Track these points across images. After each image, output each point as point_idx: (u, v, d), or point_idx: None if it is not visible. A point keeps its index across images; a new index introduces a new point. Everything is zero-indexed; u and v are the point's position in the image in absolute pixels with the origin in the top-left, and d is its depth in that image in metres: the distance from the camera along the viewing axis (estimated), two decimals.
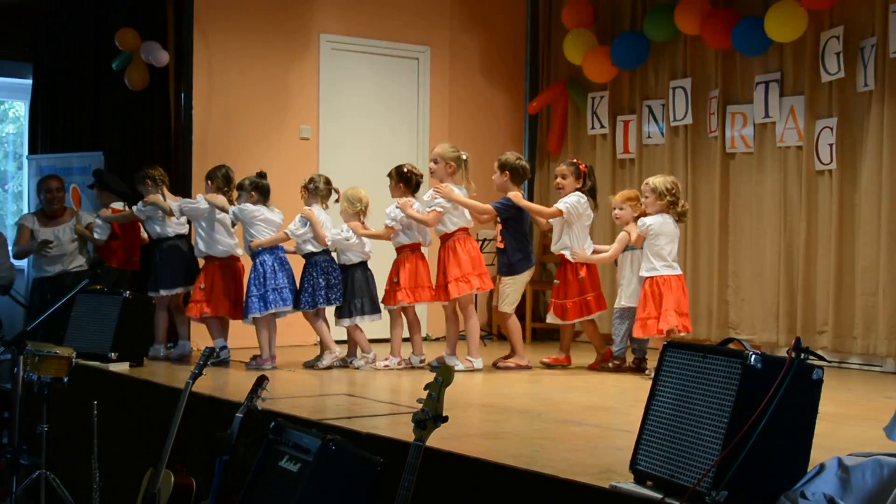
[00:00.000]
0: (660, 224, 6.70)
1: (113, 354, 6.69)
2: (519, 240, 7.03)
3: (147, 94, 8.48)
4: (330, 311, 7.14)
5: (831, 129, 7.41)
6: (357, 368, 6.95)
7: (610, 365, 6.94)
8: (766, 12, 7.60)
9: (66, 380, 5.44)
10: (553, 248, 7.16)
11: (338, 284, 6.98)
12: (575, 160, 7.21)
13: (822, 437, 3.33)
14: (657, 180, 6.80)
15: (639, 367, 6.90)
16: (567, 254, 6.96)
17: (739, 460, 2.93)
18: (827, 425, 3.81)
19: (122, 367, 6.67)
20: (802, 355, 3.03)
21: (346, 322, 7.02)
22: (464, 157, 7.01)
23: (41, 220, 8.32)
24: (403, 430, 4.08)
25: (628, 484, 3.32)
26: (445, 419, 3.35)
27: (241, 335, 7.36)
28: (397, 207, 6.96)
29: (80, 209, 8.58)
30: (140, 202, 7.52)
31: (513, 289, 7.00)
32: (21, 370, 5.55)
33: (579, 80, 9.41)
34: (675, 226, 6.76)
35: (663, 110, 8.75)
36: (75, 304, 7.00)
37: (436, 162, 7.01)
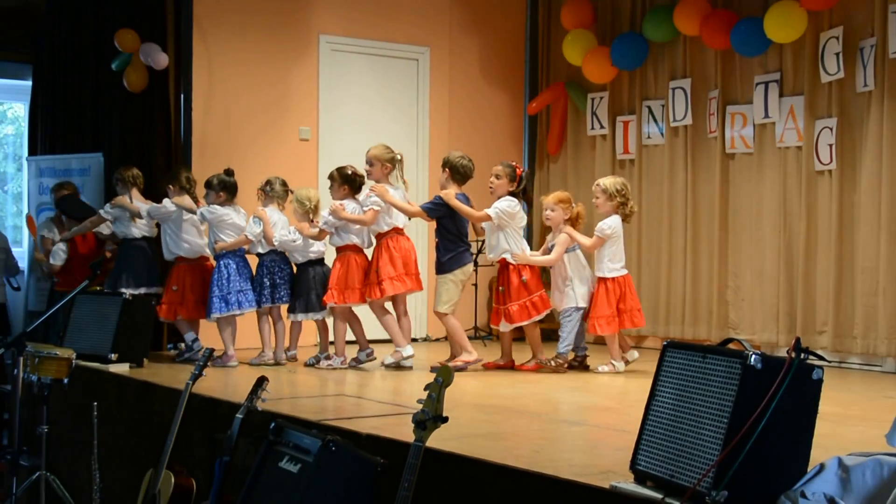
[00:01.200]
0: (617, 225, 6.84)
1: (113, 355, 6.69)
2: (450, 239, 7.02)
3: (146, 95, 8.47)
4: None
5: (831, 129, 7.41)
6: (310, 366, 7.10)
7: (552, 363, 6.88)
8: (765, 13, 7.61)
9: (66, 381, 5.44)
10: (490, 256, 7.10)
11: (284, 284, 7.19)
12: (513, 163, 7.16)
13: (822, 437, 3.33)
14: (608, 181, 6.89)
15: (582, 364, 6.96)
16: (508, 257, 6.94)
17: (739, 460, 2.93)
18: (827, 425, 3.81)
19: (121, 368, 6.67)
20: (802, 355, 3.03)
21: (291, 318, 7.24)
22: (398, 157, 7.09)
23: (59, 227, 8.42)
24: (403, 431, 4.08)
25: (629, 484, 3.32)
26: (445, 420, 3.35)
27: (240, 335, 7.44)
28: (329, 212, 7.03)
29: (38, 233, 8.61)
30: (107, 203, 7.68)
31: (444, 288, 6.95)
32: (21, 371, 5.55)
33: (579, 81, 9.41)
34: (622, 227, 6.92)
35: (663, 111, 8.75)
36: (75, 305, 7.01)
37: (371, 164, 7.04)
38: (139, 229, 7.57)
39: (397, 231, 6.98)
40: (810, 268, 7.61)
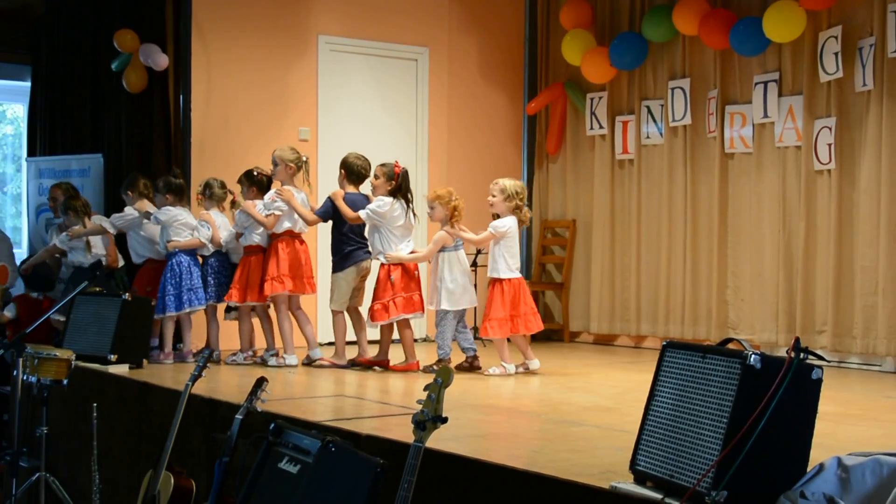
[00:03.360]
0: (513, 226, 6.80)
1: (112, 356, 6.69)
2: (339, 239, 7.15)
3: (146, 95, 8.48)
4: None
5: (830, 128, 7.42)
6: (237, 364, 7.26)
7: (435, 367, 6.76)
8: (764, 12, 7.60)
9: (65, 382, 5.44)
10: (370, 255, 7.16)
11: (227, 283, 7.35)
12: (392, 162, 7.14)
13: (822, 437, 3.33)
14: (507, 182, 6.86)
15: (472, 366, 6.91)
16: (382, 258, 6.98)
17: (739, 460, 2.93)
18: (826, 425, 3.81)
19: (121, 370, 6.66)
20: (802, 355, 3.03)
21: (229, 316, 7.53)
22: (304, 158, 7.24)
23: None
24: (403, 432, 4.08)
25: (628, 484, 3.32)
26: (445, 420, 3.35)
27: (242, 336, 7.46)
28: (240, 211, 7.22)
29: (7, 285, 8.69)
30: (64, 234, 7.87)
31: (336, 286, 7.09)
32: (21, 372, 5.55)
33: (578, 81, 9.41)
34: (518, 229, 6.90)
35: (662, 111, 8.76)
36: (74, 306, 7.01)
37: (276, 164, 7.18)
38: (92, 257, 7.79)
39: (290, 234, 7.13)
40: (809, 267, 7.61)
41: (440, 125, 9.48)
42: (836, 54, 7.31)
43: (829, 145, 7.41)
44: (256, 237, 7.21)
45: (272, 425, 4.14)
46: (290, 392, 6.08)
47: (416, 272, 7.06)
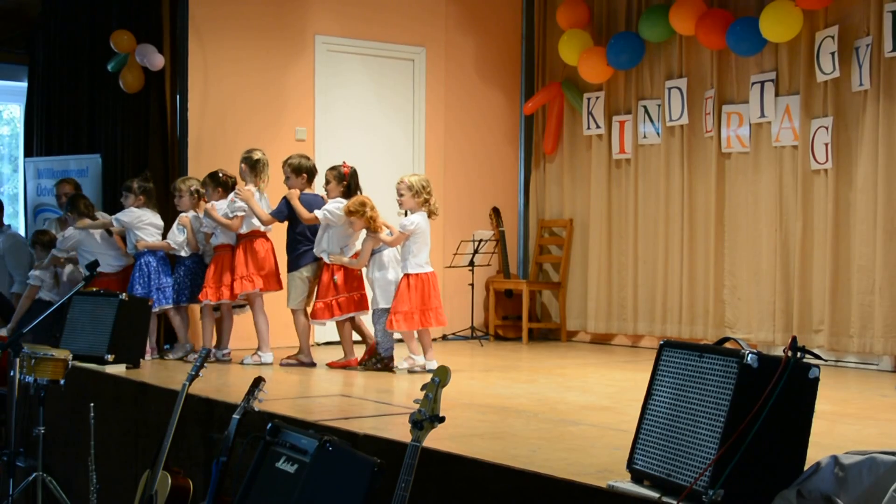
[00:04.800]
0: (422, 221, 6.86)
1: (109, 356, 6.69)
2: (294, 238, 7.27)
3: (142, 96, 8.48)
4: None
5: (827, 128, 7.42)
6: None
7: (379, 365, 6.92)
8: (760, 12, 7.61)
9: (62, 382, 5.44)
10: (315, 251, 7.22)
11: (202, 283, 7.41)
12: (339, 164, 7.23)
13: (819, 436, 3.34)
14: (412, 178, 6.95)
15: (385, 367, 6.97)
16: (325, 257, 7.08)
17: (736, 459, 2.93)
18: (823, 424, 3.82)
19: (118, 369, 6.67)
20: (799, 354, 3.03)
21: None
22: (264, 159, 7.37)
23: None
24: (400, 431, 4.08)
25: (625, 483, 3.32)
26: (442, 419, 3.35)
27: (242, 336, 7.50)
28: (203, 214, 7.37)
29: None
30: (33, 271, 8.14)
31: (293, 285, 7.21)
32: (17, 372, 5.54)
33: (575, 81, 9.42)
34: (428, 224, 6.95)
35: (659, 110, 8.76)
36: (71, 306, 7.00)
37: (242, 165, 7.40)
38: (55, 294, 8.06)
39: (255, 233, 7.26)
40: (806, 267, 7.62)
41: (437, 125, 9.48)
42: (832, 54, 7.32)
43: (826, 145, 7.42)
44: (224, 237, 7.33)
45: (269, 425, 4.14)
46: (287, 392, 6.08)
47: (360, 272, 7.16)
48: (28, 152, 9.72)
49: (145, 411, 5.94)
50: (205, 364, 4.99)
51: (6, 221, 9.21)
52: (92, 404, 5.56)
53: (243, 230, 7.24)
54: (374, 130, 9.17)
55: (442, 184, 9.41)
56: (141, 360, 7.03)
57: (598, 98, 9.24)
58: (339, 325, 7.15)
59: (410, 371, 6.78)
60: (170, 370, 6.90)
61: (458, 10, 9.62)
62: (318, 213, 7.06)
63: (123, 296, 6.89)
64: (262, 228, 7.27)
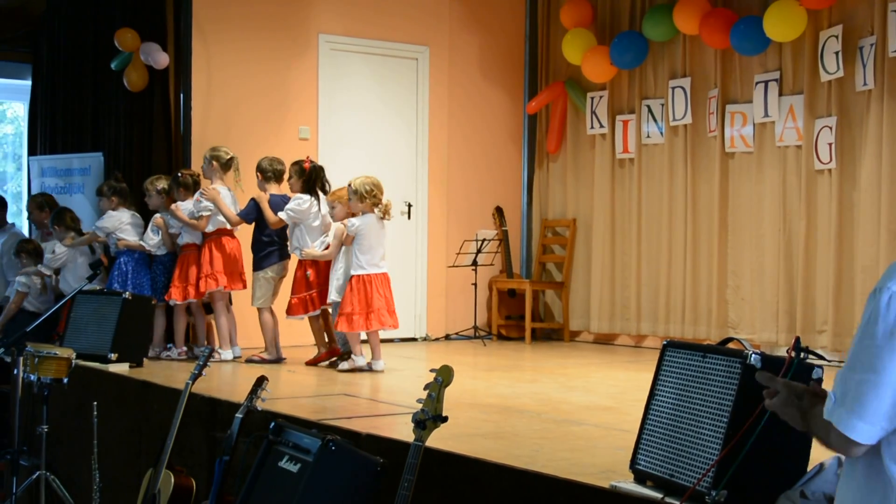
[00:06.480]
0: (363, 224, 6.82)
1: (112, 355, 6.69)
2: (259, 238, 7.33)
3: (146, 94, 8.48)
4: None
5: (830, 128, 7.41)
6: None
7: (345, 364, 6.90)
8: (764, 12, 7.60)
9: (65, 381, 5.45)
10: (289, 250, 7.29)
11: None
12: (301, 160, 7.22)
13: None
14: (357, 182, 6.89)
15: (332, 364, 7.03)
16: (298, 253, 7.13)
17: (739, 460, 2.93)
18: None
19: (121, 368, 6.67)
20: (802, 354, 3.02)
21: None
22: (234, 157, 7.42)
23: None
24: (403, 431, 4.08)
25: (628, 483, 3.32)
26: (445, 419, 3.35)
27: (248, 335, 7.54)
28: (170, 214, 7.43)
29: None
30: (20, 276, 8.13)
31: (257, 285, 7.27)
32: (21, 371, 5.55)
33: (578, 80, 9.41)
34: (381, 225, 6.89)
35: (662, 110, 8.75)
36: (74, 305, 7.01)
37: (206, 162, 7.44)
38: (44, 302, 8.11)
39: (222, 232, 7.32)
40: (810, 267, 7.61)
41: (440, 124, 9.48)
42: (836, 53, 7.31)
43: (830, 145, 7.41)
44: (190, 236, 7.39)
45: (272, 424, 4.14)
46: (290, 391, 6.08)
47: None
48: (32, 151, 9.72)
49: (148, 410, 5.94)
50: (208, 363, 5.00)
51: (9, 220, 9.22)
52: (95, 403, 5.57)
53: (210, 228, 7.30)
54: (378, 129, 9.17)
55: (445, 183, 9.42)
56: (145, 359, 7.03)
57: (601, 97, 9.23)
58: (311, 320, 7.18)
59: (350, 370, 6.75)
60: (173, 369, 6.90)
61: (461, 10, 9.61)
62: (280, 214, 7.12)
63: (127, 295, 6.90)
64: (229, 226, 7.31)
